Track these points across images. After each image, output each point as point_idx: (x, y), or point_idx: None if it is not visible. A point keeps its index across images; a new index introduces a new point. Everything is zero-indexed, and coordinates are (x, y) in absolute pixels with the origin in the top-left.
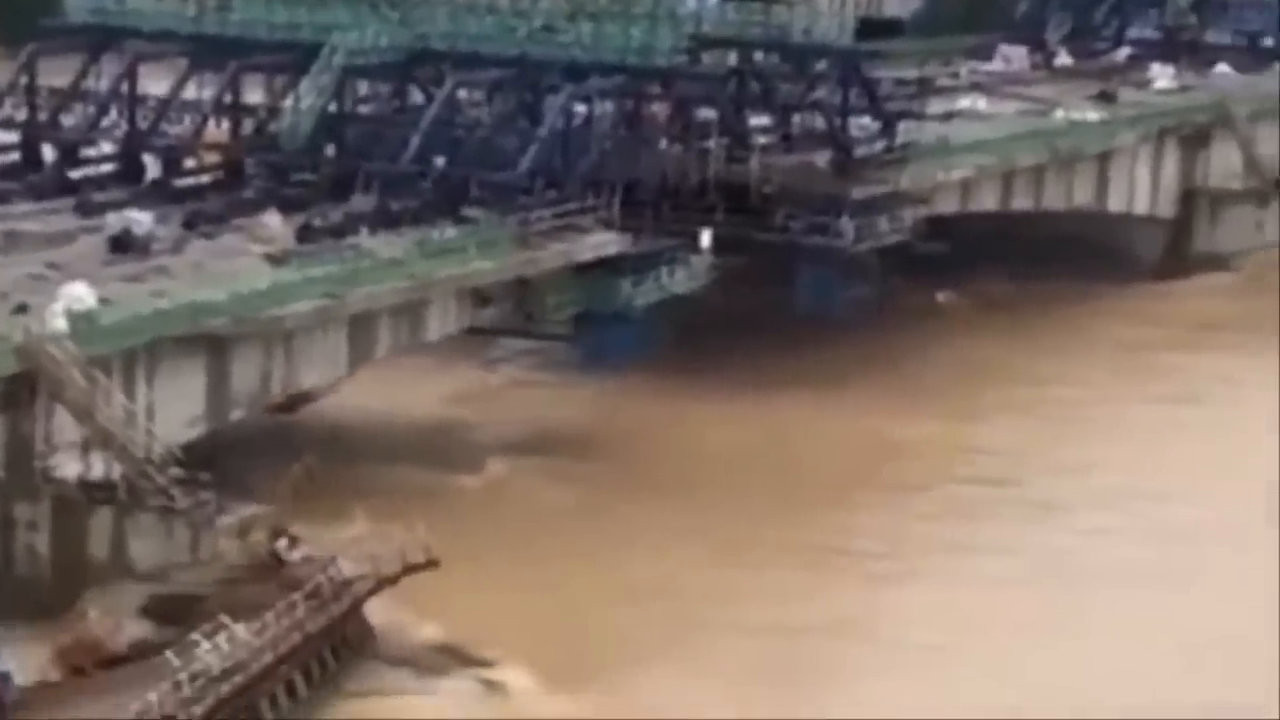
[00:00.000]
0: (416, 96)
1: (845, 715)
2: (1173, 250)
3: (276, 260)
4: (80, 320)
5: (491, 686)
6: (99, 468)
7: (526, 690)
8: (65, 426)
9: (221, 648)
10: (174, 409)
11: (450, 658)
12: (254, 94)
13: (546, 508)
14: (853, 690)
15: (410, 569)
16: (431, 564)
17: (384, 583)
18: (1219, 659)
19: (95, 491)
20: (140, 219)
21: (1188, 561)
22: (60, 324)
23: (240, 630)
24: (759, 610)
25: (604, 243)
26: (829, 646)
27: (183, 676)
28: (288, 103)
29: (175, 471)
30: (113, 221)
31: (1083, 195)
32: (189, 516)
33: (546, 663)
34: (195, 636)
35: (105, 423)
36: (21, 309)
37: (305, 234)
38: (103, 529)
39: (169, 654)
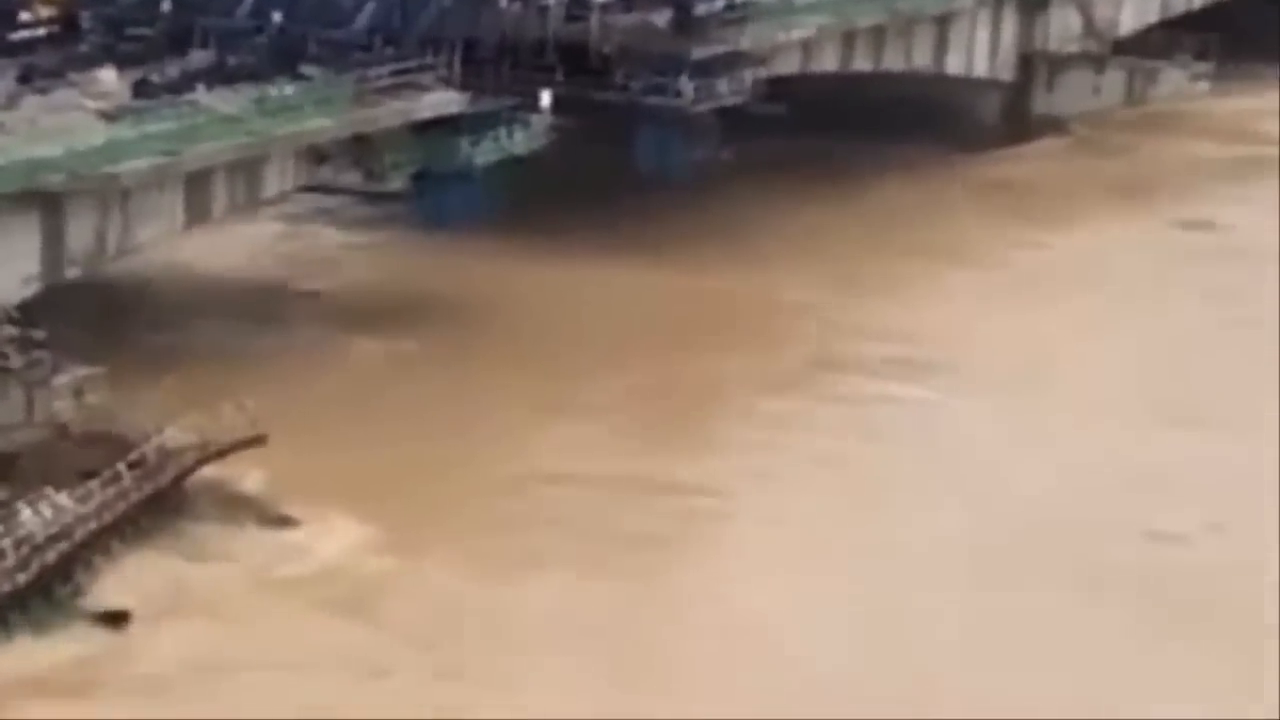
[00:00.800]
0: None
1: (697, 572)
2: (1011, 114)
3: (112, 116)
4: None
5: (308, 546)
6: None
7: (342, 549)
8: None
9: (44, 515)
10: (9, 267)
11: (265, 519)
12: None
13: (369, 369)
14: (708, 552)
15: (238, 444)
16: (259, 440)
17: (211, 456)
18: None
19: None
20: None
21: (1000, 432)
22: None
23: (63, 498)
24: (581, 467)
25: (443, 101)
26: (668, 504)
27: (6, 543)
28: None
29: (9, 330)
30: None
31: (922, 57)
32: (23, 376)
33: (364, 524)
34: (19, 505)
35: None
36: None
37: (142, 89)
38: None
39: None
